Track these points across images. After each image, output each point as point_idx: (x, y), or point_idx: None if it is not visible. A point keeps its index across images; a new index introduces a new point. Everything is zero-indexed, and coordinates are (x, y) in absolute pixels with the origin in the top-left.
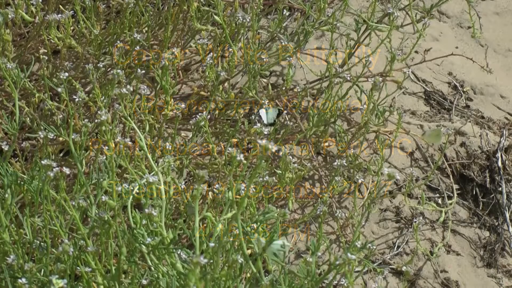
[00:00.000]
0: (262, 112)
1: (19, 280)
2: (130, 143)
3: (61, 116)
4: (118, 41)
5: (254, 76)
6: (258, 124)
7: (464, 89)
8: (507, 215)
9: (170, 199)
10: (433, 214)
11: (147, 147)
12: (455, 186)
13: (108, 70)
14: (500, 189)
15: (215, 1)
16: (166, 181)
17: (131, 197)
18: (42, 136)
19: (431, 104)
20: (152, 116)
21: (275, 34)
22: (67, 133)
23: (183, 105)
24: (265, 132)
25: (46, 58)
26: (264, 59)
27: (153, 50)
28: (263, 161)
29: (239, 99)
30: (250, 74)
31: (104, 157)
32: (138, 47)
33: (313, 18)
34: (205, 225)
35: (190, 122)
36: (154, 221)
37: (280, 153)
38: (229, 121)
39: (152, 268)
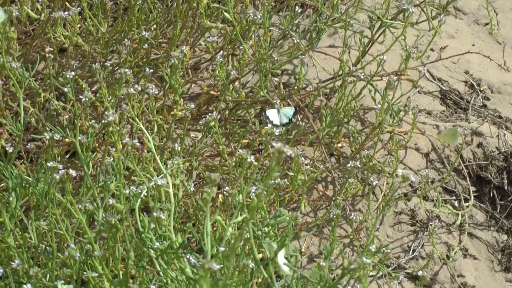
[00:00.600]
0: (271, 112)
1: (24, 286)
2: (138, 144)
3: (67, 116)
4: (126, 39)
5: (265, 75)
6: (269, 125)
7: (481, 88)
8: None
9: (179, 202)
10: (450, 217)
11: (155, 149)
12: (472, 188)
13: (116, 69)
14: None
15: None
16: (175, 183)
17: (139, 200)
18: (47, 137)
19: (447, 104)
20: (161, 117)
21: (287, 32)
22: (74, 134)
23: (192, 105)
24: (276, 133)
25: (52, 56)
26: (276, 58)
27: (162, 48)
28: (275, 164)
29: (250, 99)
30: (261, 73)
31: (111, 159)
32: (146, 45)
33: (326, 15)
34: (215, 229)
35: (200, 122)
36: (163, 225)
37: (292, 155)
38: (239, 121)
39: (161, 273)
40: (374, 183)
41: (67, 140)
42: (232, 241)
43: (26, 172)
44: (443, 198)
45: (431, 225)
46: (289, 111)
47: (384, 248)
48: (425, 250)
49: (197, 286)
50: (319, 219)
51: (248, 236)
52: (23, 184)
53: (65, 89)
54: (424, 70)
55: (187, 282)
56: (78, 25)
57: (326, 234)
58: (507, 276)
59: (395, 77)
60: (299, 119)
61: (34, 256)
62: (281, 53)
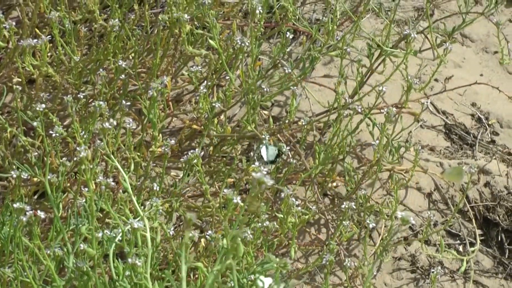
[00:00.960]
0: (264, 149)
1: None
2: (113, 184)
3: (36, 153)
4: (101, 69)
5: (254, 108)
6: (257, 163)
7: (490, 122)
8: None
9: (157, 247)
10: (453, 263)
11: (132, 189)
12: (478, 232)
13: (90, 101)
14: None
15: (210, 23)
16: (153, 226)
17: (113, 245)
18: (14, 176)
19: (452, 139)
20: (138, 153)
21: (278, 60)
22: (43, 172)
23: (172, 141)
24: (264, 171)
25: (20, 88)
26: (265, 89)
27: (140, 79)
28: (262, 203)
29: (236, 134)
30: (249, 106)
31: (84, 200)
32: (123, 76)
33: (321, 42)
34: (196, 276)
35: (181, 160)
36: (139, 272)
37: (282, 195)
38: (224, 158)
39: None
40: (371, 226)
41: (35, 179)
42: None
43: None
44: (447, 242)
45: (433, 272)
46: (274, 151)
47: None
48: None
49: None
50: (311, 265)
51: (233, 284)
52: None
53: (34, 124)
54: (427, 102)
55: None
56: (49, 54)
57: (318, 282)
58: None
59: (396, 110)
60: (290, 155)
61: None
62: (271, 83)
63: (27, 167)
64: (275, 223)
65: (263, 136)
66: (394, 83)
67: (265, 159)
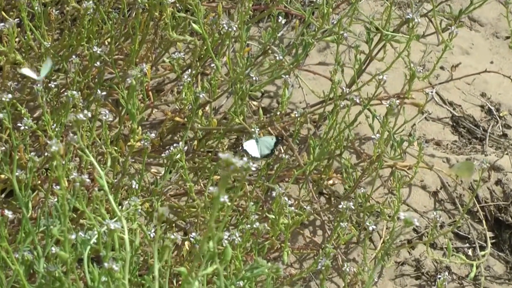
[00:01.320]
0: (249, 144)
1: None
2: (87, 181)
3: (2, 148)
4: (74, 56)
5: (242, 98)
6: (245, 158)
7: (501, 114)
8: None
9: (136, 250)
10: (462, 269)
11: (108, 186)
12: (489, 234)
13: (62, 91)
14: None
15: (193, 6)
16: (132, 228)
17: (88, 248)
18: None
19: (459, 133)
20: (116, 148)
21: (268, 46)
22: (10, 169)
23: (153, 135)
24: (254, 168)
25: None
26: (254, 77)
27: (118, 66)
28: (251, 203)
29: (223, 127)
30: (237, 96)
31: (55, 199)
32: (98, 63)
33: (315, 26)
34: (179, 283)
35: (163, 155)
36: (116, 278)
37: (274, 194)
38: (210, 154)
39: None
40: (372, 228)
41: (2, 176)
42: None
43: None
44: (455, 245)
45: (439, 278)
46: (270, 140)
47: None
48: None
49: None
50: (306, 271)
51: None
52: None
53: (0, 115)
54: (432, 92)
55: None
56: (17, 39)
57: None
58: None
59: (398, 101)
60: (282, 150)
61: None
62: (261, 72)
63: None
64: (266, 225)
65: (253, 129)
66: (395, 71)
67: (256, 154)
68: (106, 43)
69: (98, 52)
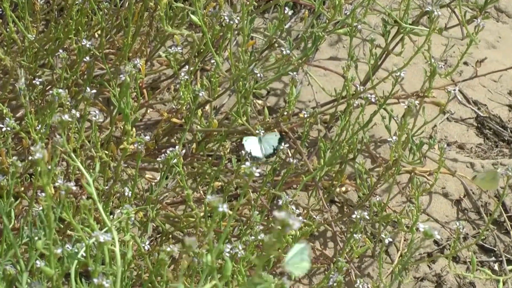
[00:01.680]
0: (250, 141)
1: None
2: (75, 188)
3: None
4: (61, 50)
5: (245, 97)
6: (248, 160)
7: None
8: None
9: (129, 264)
10: (488, 285)
11: (98, 194)
12: None
13: (47, 88)
14: None
15: None
16: (124, 240)
17: (76, 262)
18: None
19: (485, 135)
20: (106, 152)
21: (274, 40)
22: None
23: (148, 137)
24: (257, 174)
25: None
26: (259, 74)
27: (109, 61)
28: (256, 212)
29: (224, 128)
30: (240, 94)
31: (40, 208)
32: (88, 58)
33: (326, 17)
34: None
35: (158, 159)
36: None
37: (280, 202)
38: (210, 158)
39: None
40: (388, 240)
41: None
42: None
43: None
44: (479, 259)
45: None
46: (274, 137)
47: None
48: None
49: None
50: (315, 287)
51: None
52: None
53: None
54: (455, 90)
55: None
56: None
57: None
58: None
59: (417, 100)
60: (290, 154)
61: None
62: (267, 68)
63: None
64: (271, 236)
65: (257, 131)
66: (414, 67)
67: (258, 154)
68: (96, 35)
69: (88, 45)
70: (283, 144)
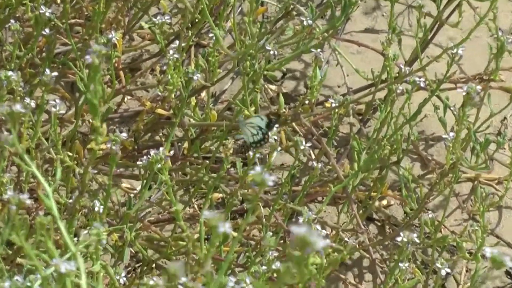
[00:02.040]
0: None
1: None
2: (29, 202)
3: None
4: (13, 20)
5: (254, 81)
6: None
7: None
8: None
9: None
10: None
11: (59, 210)
12: None
13: None
14: None
15: None
16: (93, 270)
17: None
18: None
19: None
20: (70, 154)
21: (292, 6)
22: None
23: (124, 134)
24: (271, 183)
25: None
26: (272, 51)
27: (75, 35)
28: (270, 233)
29: (226, 122)
30: (247, 78)
31: None
32: (47, 30)
33: None
34: None
35: (138, 163)
36: None
37: (300, 219)
38: (207, 161)
39: None
40: (445, 271)
41: None
42: None
43: None
44: None
45: None
46: (259, 120)
47: None
48: None
49: None
50: None
51: None
52: None
53: None
54: None
55: None
56: None
57: None
58: None
59: (480, 85)
60: (313, 155)
61: None
62: (282, 43)
63: None
64: (289, 265)
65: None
66: (476, 42)
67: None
68: (59, 1)
69: (47, 14)
70: (275, 127)
